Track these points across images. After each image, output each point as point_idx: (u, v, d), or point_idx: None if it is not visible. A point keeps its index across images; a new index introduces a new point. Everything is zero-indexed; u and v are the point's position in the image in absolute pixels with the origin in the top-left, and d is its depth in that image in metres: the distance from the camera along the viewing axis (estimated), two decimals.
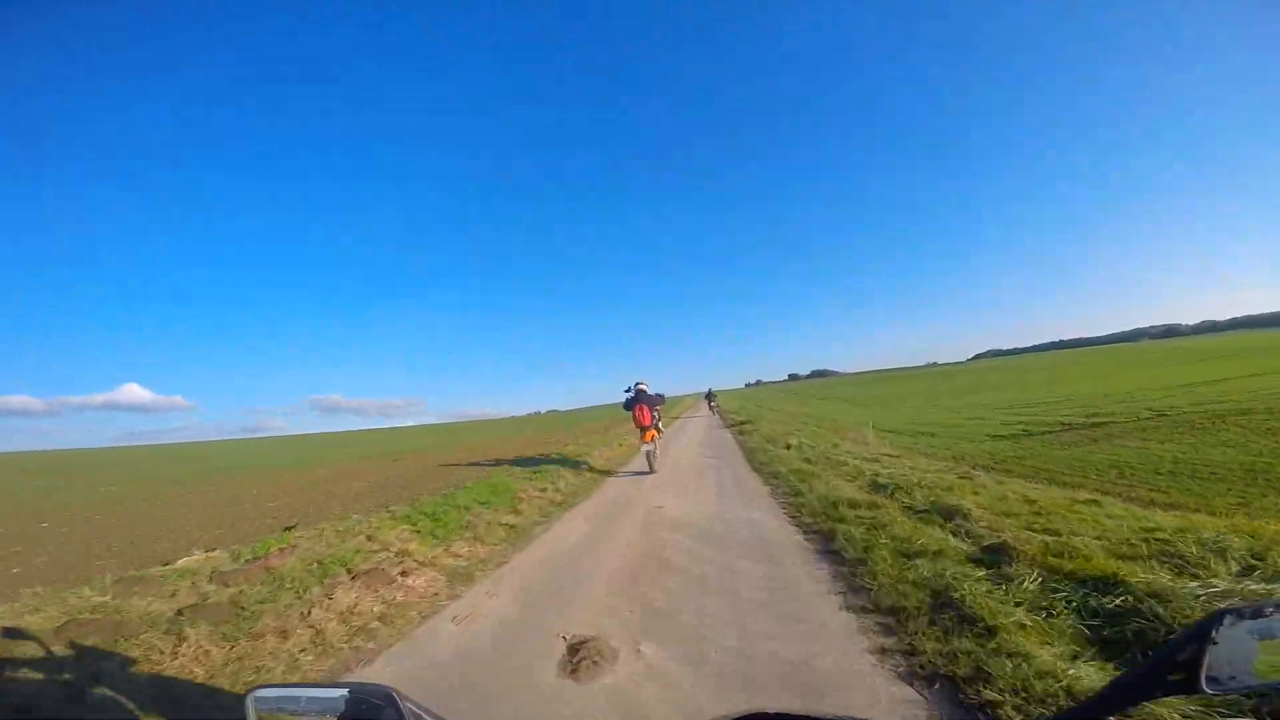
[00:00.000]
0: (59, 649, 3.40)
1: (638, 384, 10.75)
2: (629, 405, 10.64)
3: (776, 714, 0.82)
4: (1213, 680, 0.65)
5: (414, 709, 0.72)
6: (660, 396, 10.84)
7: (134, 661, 3.30)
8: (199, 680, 3.09)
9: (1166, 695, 0.66)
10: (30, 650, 3.35)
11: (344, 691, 0.76)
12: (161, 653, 3.37)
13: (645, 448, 10.24)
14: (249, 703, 0.80)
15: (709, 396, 38.15)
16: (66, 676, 3.06)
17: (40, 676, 3.05)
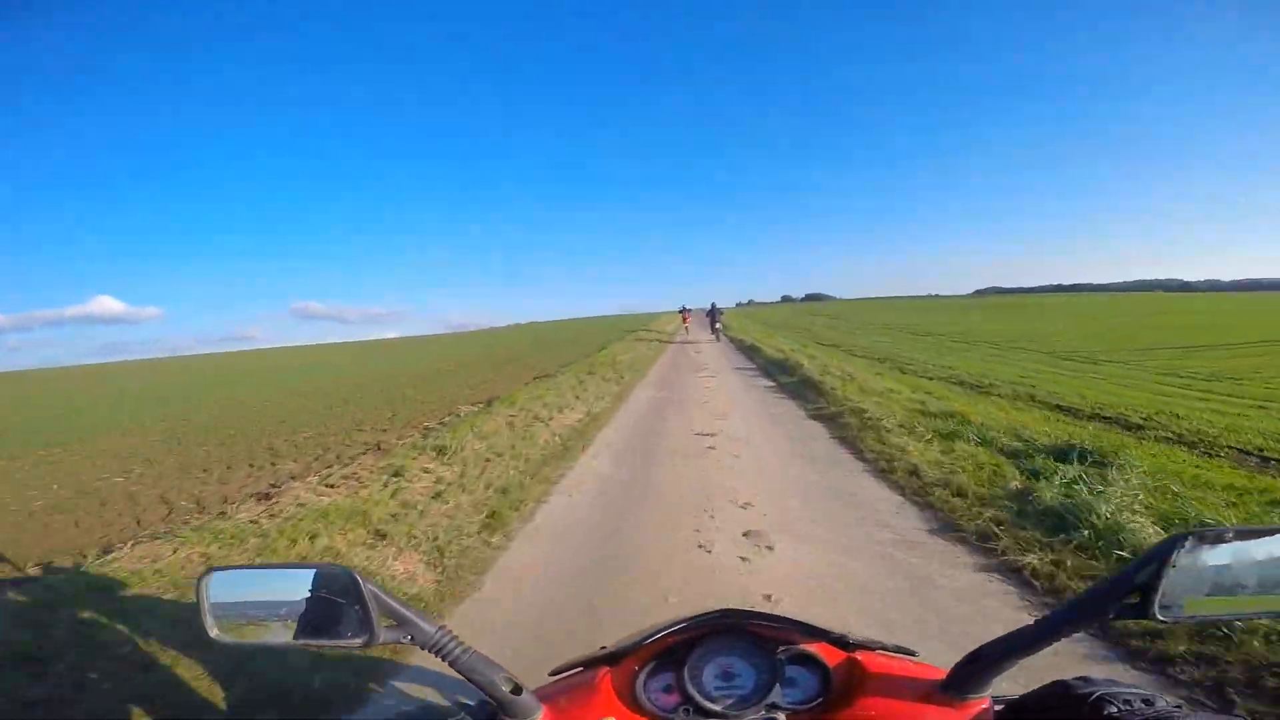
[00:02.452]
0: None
1: (683, 305, 31.73)
2: (680, 310, 31.59)
3: (744, 611, 0.87)
4: (1165, 607, 0.62)
5: (374, 590, 0.69)
6: (688, 309, 30.94)
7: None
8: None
9: (1120, 618, 0.64)
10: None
11: (303, 573, 0.72)
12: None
13: (685, 326, 29.02)
14: (201, 588, 0.74)
15: (712, 315, 26.42)
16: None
17: None
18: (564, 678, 0.90)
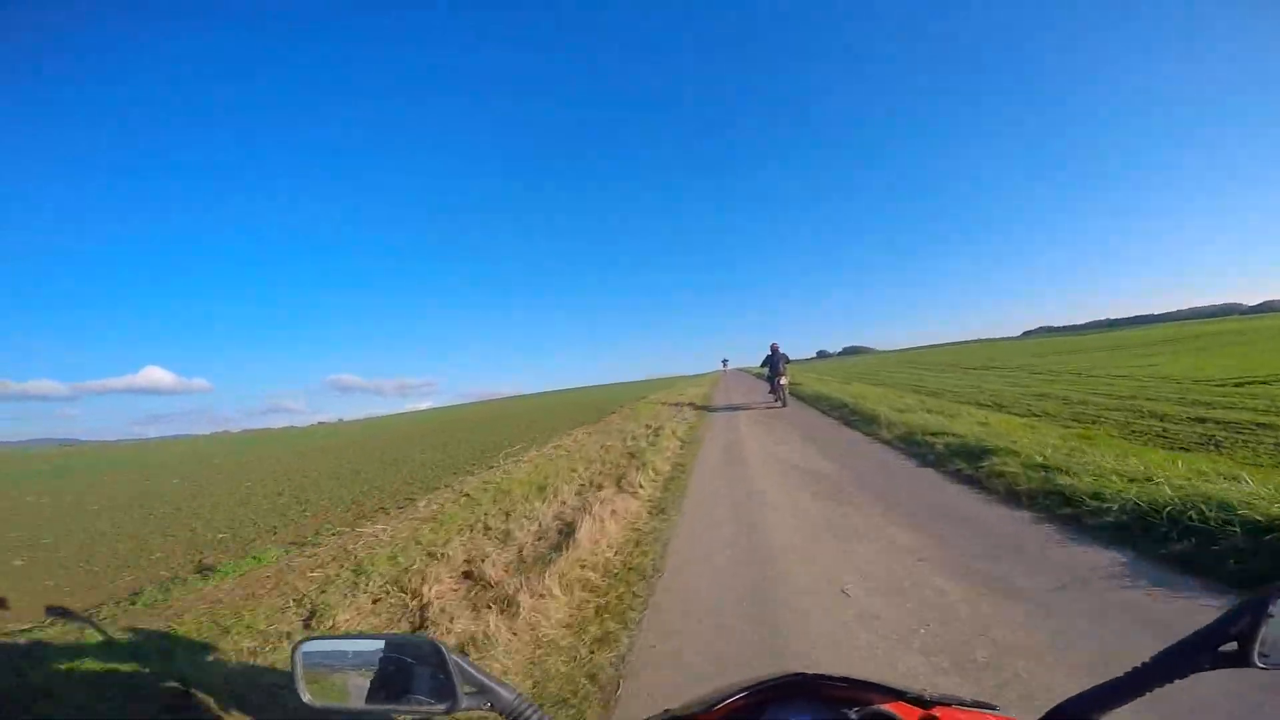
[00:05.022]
0: None
1: (724, 359, 47.56)
2: (723, 363, 48.67)
3: (815, 675, 0.86)
4: (1265, 656, 0.61)
5: (457, 660, 0.72)
6: (727, 361, 48.75)
7: None
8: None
9: (1216, 667, 0.62)
10: None
11: (389, 642, 0.78)
12: None
13: (726, 367, 52.20)
14: (297, 656, 0.80)
15: (773, 365, 17.63)
16: None
17: None
18: None
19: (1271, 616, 0.61)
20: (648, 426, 15.05)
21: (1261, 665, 0.61)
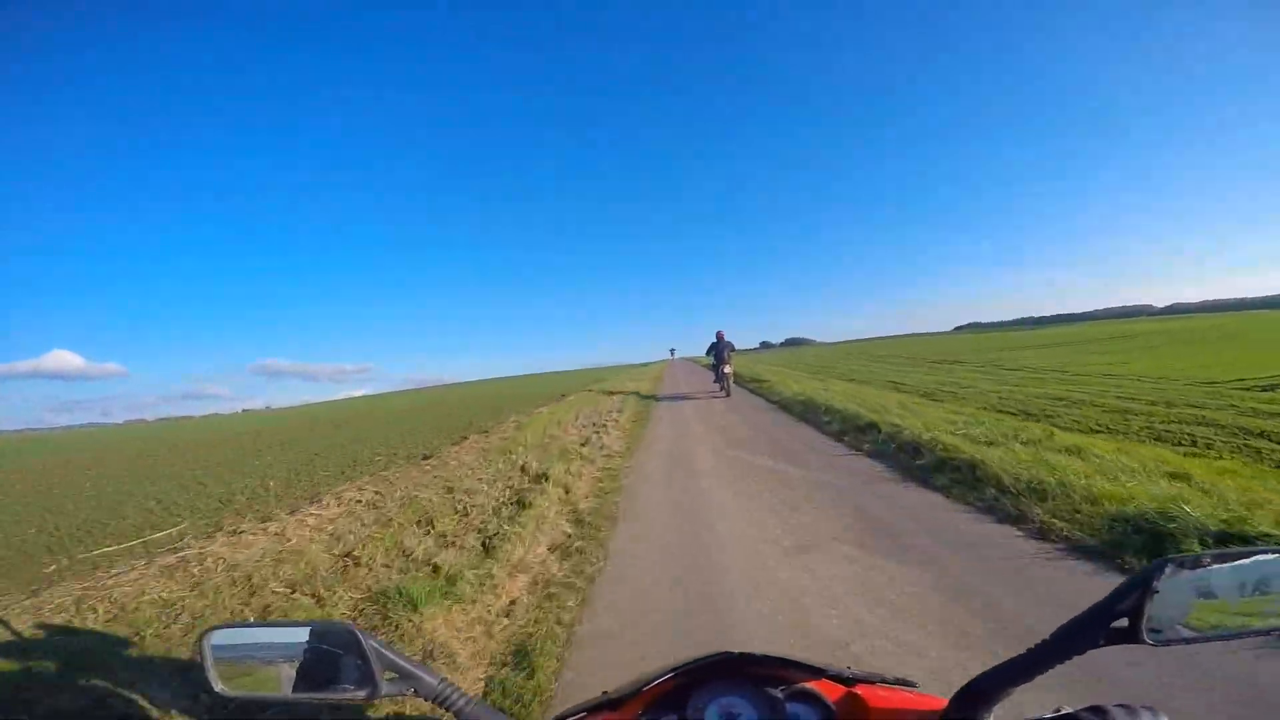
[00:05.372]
0: None
1: (672, 348, 44.49)
2: (671, 352, 43.77)
3: (741, 654, 0.85)
4: (1153, 631, 0.62)
5: (375, 646, 0.69)
6: (675, 351, 43.16)
7: None
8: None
9: (1110, 643, 0.64)
10: None
11: (304, 630, 0.73)
12: None
13: (674, 356, 50.89)
14: (205, 645, 0.75)
15: (717, 356, 17.11)
16: None
17: None
18: None
19: (1157, 592, 0.60)
20: (521, 473, 7.01)
21: (1150, 642, 0.61)
